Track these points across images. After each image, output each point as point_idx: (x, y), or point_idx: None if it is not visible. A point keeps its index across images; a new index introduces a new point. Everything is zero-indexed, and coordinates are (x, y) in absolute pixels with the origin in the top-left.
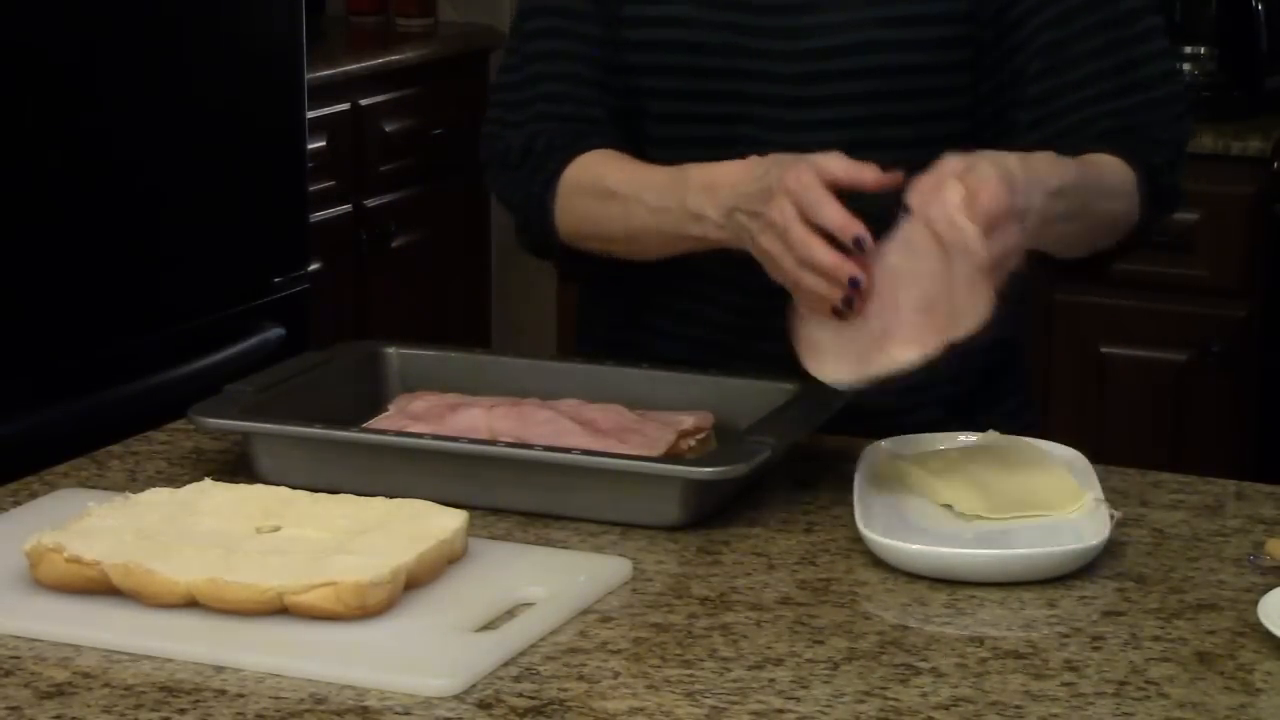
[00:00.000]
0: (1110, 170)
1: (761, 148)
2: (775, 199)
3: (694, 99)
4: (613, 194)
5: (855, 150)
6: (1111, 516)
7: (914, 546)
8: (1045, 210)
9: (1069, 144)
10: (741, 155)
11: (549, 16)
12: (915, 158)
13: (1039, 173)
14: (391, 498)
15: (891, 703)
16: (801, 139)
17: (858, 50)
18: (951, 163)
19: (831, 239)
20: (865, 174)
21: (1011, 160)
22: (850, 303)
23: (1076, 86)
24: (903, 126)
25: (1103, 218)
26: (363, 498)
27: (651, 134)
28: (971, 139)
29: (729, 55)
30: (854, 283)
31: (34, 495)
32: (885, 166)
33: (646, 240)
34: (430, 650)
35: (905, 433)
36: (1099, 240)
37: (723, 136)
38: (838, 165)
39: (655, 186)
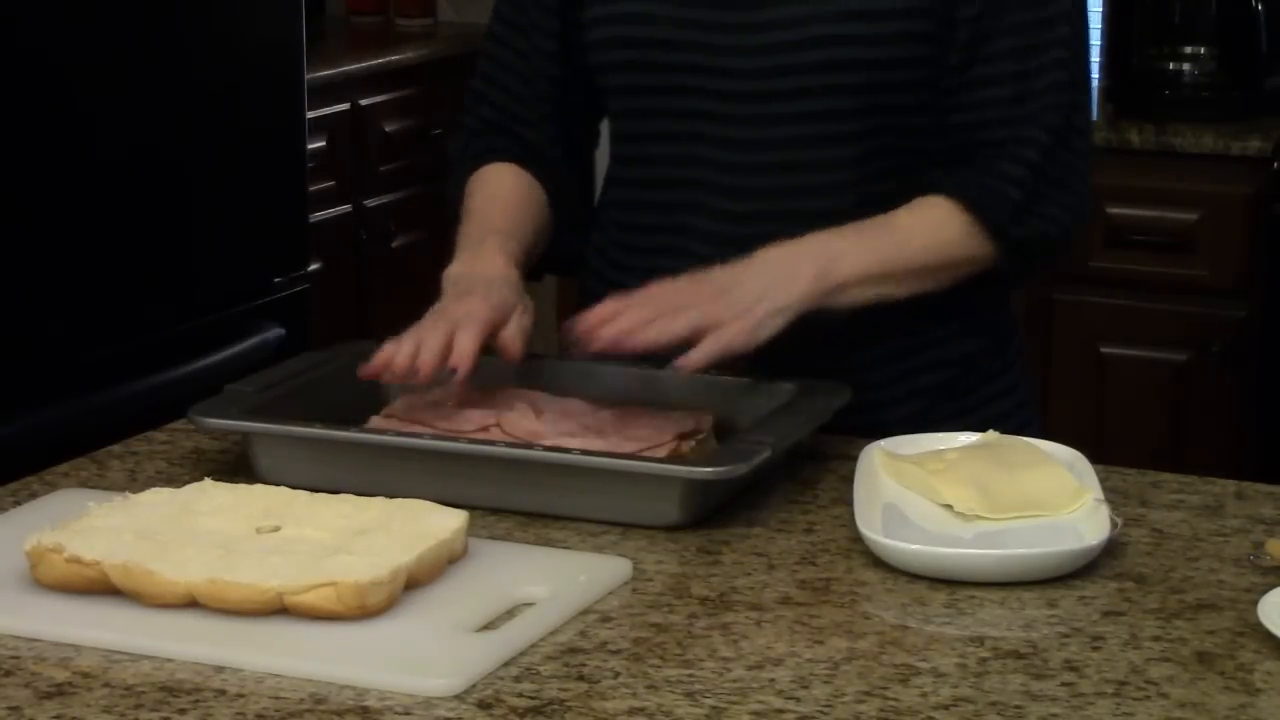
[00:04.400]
0: (930, 232)
1: (723, 143)
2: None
3: (657, 94)
4: (465, 214)
5: (816, 144)
6: (1114, 524)
7: (914, 546)
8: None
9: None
10: (702, 152)
11: (503, 26)
12: (874, 149)
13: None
14: (391, 498)
15: (891, 703)
16: (764, 133)
17: (819, 44)
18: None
19: None
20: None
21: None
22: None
23: (981, 84)
24: (862, 119)
25: (923, 275)
26: (363, 498)
27: (618, 131)
28: (932, 133)
29: (691, 51)
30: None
31: (34, 495)
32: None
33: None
34: (430, 650)
35: (896, 427)
36: (937, 282)
37: (686, 132)
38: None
39: (462, 235)
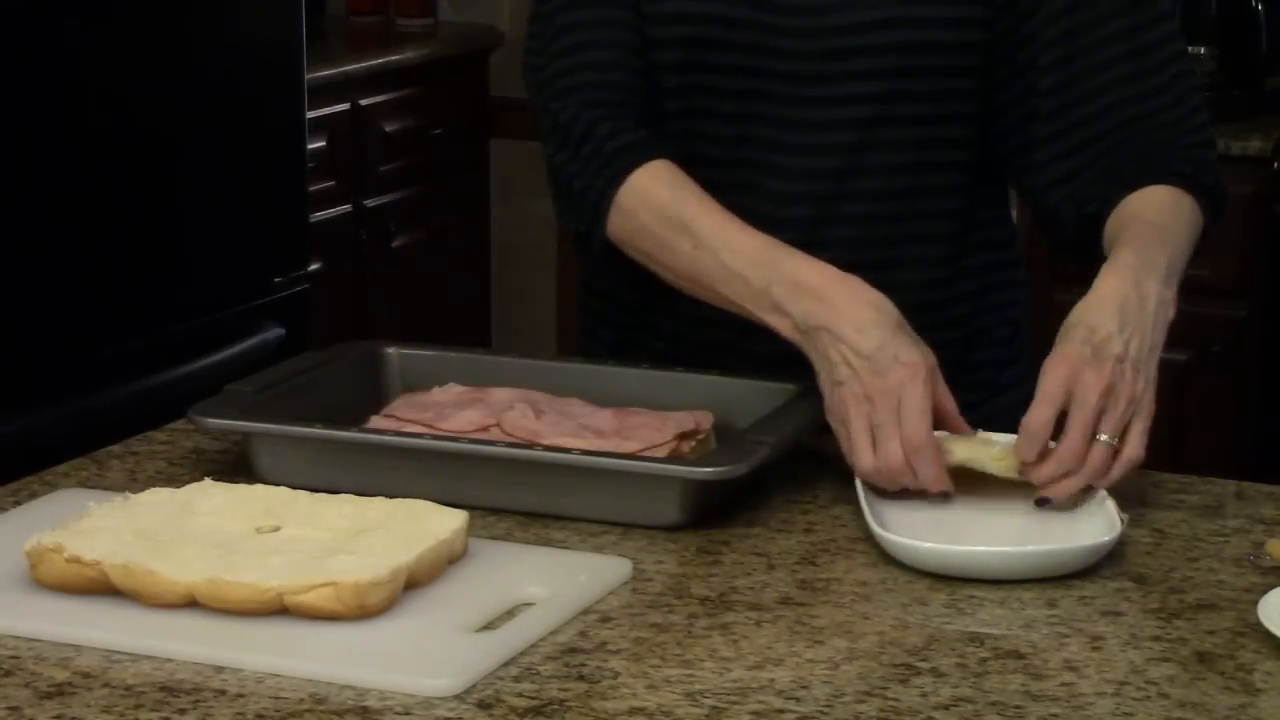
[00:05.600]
0: (1178, 209)
1: (778, 124)
2: (886, 378)
3: (713, 73)
4: (687, 230)
5: (871, 126)
6: (1122, 520)
7: (927, 544)
8: (1168, 314)
9: (1122, 173)
10: (757, 132)
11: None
12: (930, 134)
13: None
14: (391, 498)
15: (891, 703)
16: (819, 115)
17: (877, 27)
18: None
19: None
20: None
21: (1133, 344)
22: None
23: (1090, 74)
24: (919, 103)
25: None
26: (363, 498)
27: (666, 107)
28: (986, 121)
29: (751, 30)
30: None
31: (34, 495)
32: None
33: (702, 289)
34: (430, 650)
35: None
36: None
37: (740, 112)
38: (946, 403)
39: (739, 251)
